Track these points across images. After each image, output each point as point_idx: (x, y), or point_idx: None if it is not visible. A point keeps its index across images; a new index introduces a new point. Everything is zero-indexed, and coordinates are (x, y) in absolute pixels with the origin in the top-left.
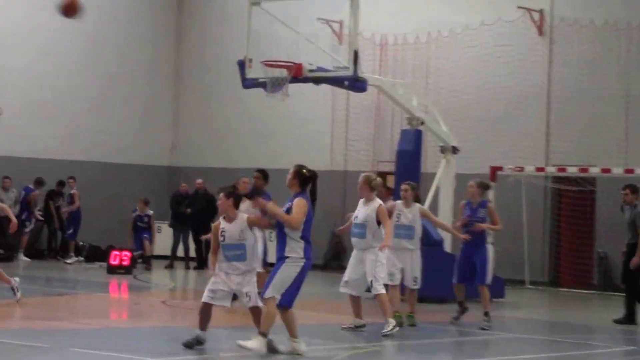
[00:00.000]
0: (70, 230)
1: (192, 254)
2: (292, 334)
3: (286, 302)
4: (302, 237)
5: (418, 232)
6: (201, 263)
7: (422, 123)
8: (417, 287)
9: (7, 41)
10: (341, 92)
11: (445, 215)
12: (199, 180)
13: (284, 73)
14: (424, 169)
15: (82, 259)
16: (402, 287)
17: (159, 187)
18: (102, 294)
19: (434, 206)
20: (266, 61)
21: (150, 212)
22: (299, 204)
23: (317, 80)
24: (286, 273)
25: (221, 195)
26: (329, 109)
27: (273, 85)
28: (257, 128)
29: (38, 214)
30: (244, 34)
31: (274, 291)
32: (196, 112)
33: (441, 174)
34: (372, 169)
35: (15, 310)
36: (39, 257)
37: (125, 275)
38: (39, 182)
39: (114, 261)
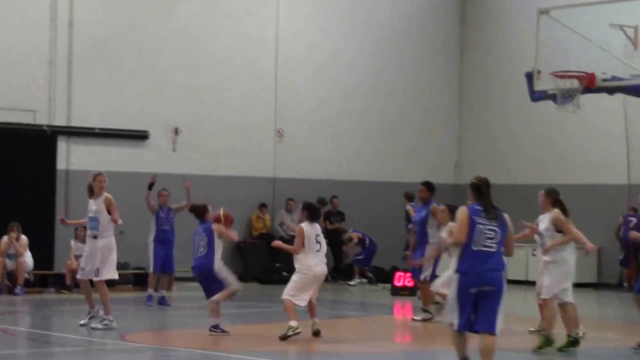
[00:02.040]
0: (361, 256)
1: None
2: None
3: None
4: None
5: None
6: None
7: None
8: None
9: (292, 64)
10: (636, 102)
11: None
12: None
13: (575, 84)
14: None
15: (365, 280)
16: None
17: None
18: (386, 316)
19: None
20: (556, 72)
21: None
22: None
23: (611, 90)
24: None
25: None
26: (621, 119)
27: (563, 97)
28: (544, 143)
29: None
30: (531, 45)
31: None
32: (480, 128)
33: None
34: None
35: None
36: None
37: (410, 297)
38: (322, 202)
39: (398, 282)
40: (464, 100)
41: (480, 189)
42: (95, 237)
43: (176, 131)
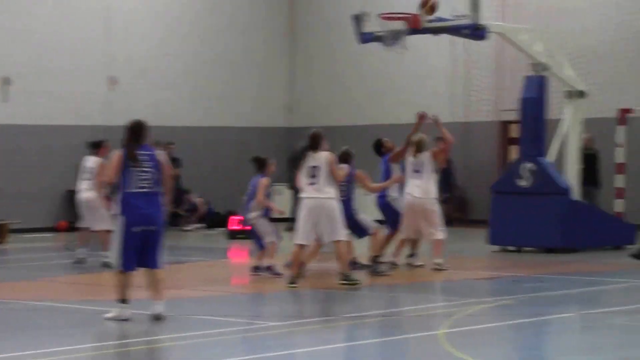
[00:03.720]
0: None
1: None
2: None
3: None
4: None
5: None
6: None
7: (547, 69)
8: None
9: (124, 9)
10: (460, 41)
11: (573, 162)
12: None
13: (401, 25)
14: (549, 116)
15: (202, 225)
16: None
17: (278, 149)
18: (222, 260)
19: (560, 153)
20: (383, 14)
21: None
22: None
23: (436, 31)
24: None
25: None
26: (447, 59)
27: (391, 39)
28: (377, 84)
29: None
30: None
31: None
32: (313, 70)
33: (568, 120)
34: (494, 118)
35: (137, 280)
36: None
37: (246, 240)
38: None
39: (234, 226)
40: (295, 42)
41: (126, 133)
42: None
43: (6, 80)
